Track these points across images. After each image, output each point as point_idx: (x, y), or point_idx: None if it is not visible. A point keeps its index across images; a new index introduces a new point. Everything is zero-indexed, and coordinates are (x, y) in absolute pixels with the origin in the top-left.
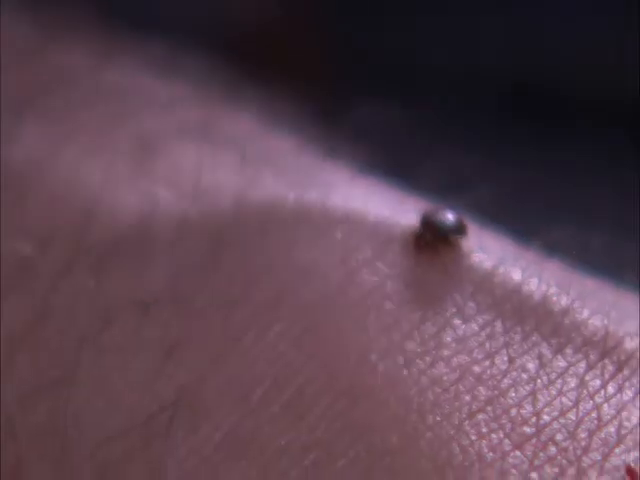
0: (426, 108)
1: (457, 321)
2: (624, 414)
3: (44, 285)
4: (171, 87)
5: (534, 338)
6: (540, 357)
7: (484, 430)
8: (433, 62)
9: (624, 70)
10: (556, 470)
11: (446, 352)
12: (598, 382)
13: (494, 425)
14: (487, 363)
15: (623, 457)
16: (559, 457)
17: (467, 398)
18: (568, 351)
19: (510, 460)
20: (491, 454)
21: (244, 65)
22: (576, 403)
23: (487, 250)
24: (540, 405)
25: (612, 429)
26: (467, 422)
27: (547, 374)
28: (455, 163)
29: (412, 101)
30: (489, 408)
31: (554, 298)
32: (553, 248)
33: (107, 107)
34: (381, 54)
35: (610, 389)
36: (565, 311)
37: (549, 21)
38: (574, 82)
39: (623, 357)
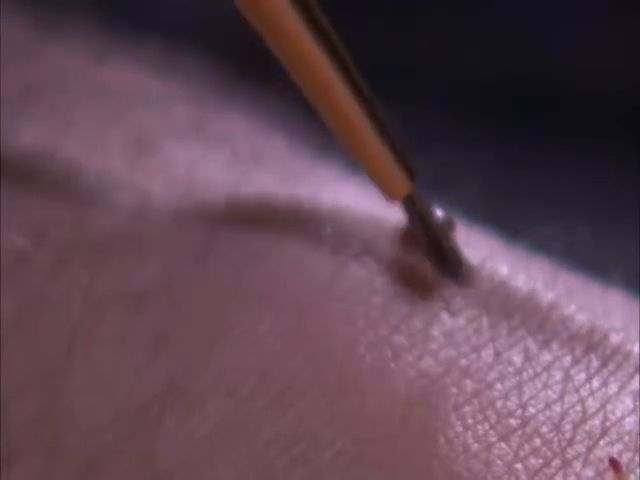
0: (418, 107)
1: (444, 315)
2: (608, 407)
3: (39, 278)
4: (167, 86)
5: (520, 332)
6: (526, 351)
7: (470, 422)
8: (431, 62)
9: (624, 70)
10: (541, 461)
11: (433, 346)
12: (583, 376)
13: (480, 417)
14: (473, 356)
15: (607, 449)
16: (544, 449)
17: (454, 391)
18: (554, 345)
19: (495, 451)
20: (477, 445)
21: (239, 64)
22: (561, 396)
23: (474, 246)
24: (526, 398)
25: (597, 422)
26: (453, 414)
27: (533, 367)
28: (443, 161)
29: (406, 100)
30: (475, 400)
31: (540, 293)
32: (540, 245)
33: (103, 105)
34: (379, 54)
35: (595, 383)
36: (551, 306)
37: (549, 21)
38: (570, 82)
39: (608, 352)
